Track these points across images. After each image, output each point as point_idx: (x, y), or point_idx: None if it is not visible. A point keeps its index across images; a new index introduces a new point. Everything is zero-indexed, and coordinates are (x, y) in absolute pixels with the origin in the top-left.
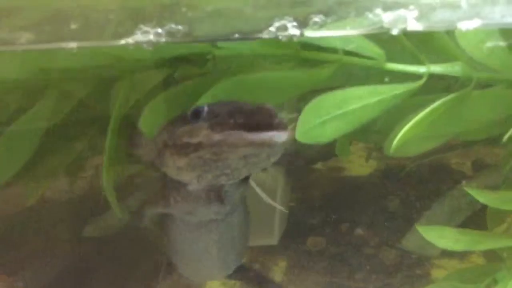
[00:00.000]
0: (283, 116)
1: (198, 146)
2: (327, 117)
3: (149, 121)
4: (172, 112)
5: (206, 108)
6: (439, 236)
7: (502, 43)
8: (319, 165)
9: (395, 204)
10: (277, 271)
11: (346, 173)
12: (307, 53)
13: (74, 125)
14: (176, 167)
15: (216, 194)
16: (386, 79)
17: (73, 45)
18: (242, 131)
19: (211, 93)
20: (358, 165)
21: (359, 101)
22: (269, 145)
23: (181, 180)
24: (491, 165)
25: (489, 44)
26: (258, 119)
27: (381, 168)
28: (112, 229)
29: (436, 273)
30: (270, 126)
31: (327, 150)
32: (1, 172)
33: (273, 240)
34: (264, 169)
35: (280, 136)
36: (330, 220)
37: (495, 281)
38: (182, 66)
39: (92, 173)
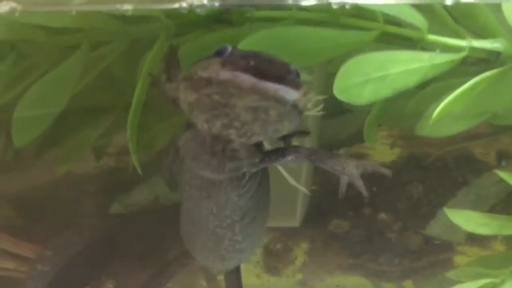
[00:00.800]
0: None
1: (207, 82)
2: (367, 77)
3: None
4: None
5: (229, 49)
6: (466, 219)
7: None
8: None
9: (419, 190)
10: (299, 252)
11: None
12: (348, 19)
13: (102, 96)
14: (188, 102)
15: (222, 147)
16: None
17: (128, 7)
18: (250, 75)
19: (247, 41)
20: (381, 152)
21: (400, 65)
22: (275, 97)
23: (193, 120)
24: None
25: None
26: (272, 69)
27: (405, 155)
28: (138, 206)
29: (459, 259)
30: (282, 79)
31: (351, 136)
32: (28, 130)
33: (295, 222)
34: (281, 138)
35: (288, 92)
36: (353, 204)
37: None
38: (221, 27)
39: (119, 150)
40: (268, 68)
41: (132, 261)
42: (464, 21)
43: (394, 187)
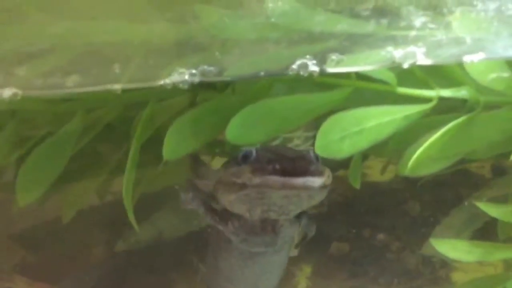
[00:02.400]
0: (301, 134)
1: (242, 186)
2: (344, 133)
3: (173, 142)
4: (195, 135)
5: (254, 153)
6: (451, 248)
7: (506, 74)
8: (340, 172)
9: (415, 209)
10: (302, 277)
11: (367, 179)
12: (323, 78)
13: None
14: (228, 201)
15: (271, 226)
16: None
17: (117, 86)
18: (277, 177)
19: (237, 119)
20: (378, 171)
21: (374, 119)
22: (303, 188)
23: (235, 211)
24: (509, 169)
25: (494, 74)
26: (295, 165)
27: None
28: (143, 243)
29: (456, 276)
30: (305, 172)
31: (348, 159)
32: (32, 190)
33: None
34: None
35: (313, 181)
36: (352, 226)
37: None
38: (203, 91)
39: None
40: (291, 164)
41: None
42: (433, 72)
43: (391, 206)
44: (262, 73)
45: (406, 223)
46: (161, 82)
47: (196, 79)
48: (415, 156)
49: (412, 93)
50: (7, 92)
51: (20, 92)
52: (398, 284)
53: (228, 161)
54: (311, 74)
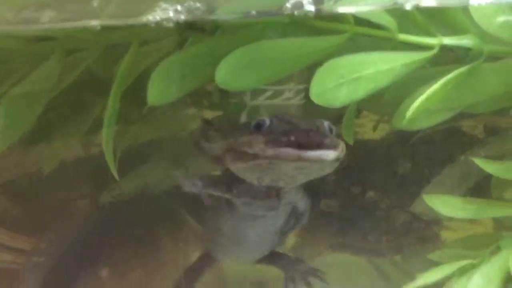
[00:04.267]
0: (293, 86)
1: (254, 156)
2: (341, 81)
3: (158, 86)
4: (183, 78)
5: (267, 122)
6: (443, 204)
7: (507, 19)
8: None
9: (406, 168)
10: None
11: (358, 137)
12: (320, 23)
13: (86, 94)
14: (237, 168)
15: (276, 192)
16: None
17: (95, 23)
18: (292, 149)
19: (227, 61)
20: (370, 129)
21: (372, 66)
22: (318, 161)
23: (242, 177)
24: (503, 130)
25: (501, 18)
26: (310, 138)
27: (393, 131)
28: (128, 195)
29: (446, 235)
30: (320, 145)
31: (339, 115)
32: (7, 134)
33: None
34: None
35: (328, 155)
36: (342, 183)
37: (499, 248)
38: (191, 33)
39: None
40: (305, 137)
41: (125, 248)
42: (435, 19)
43: (382, 165)
44: (253, 13)
45: (397, 181)
46: (143, 19)
47: (182, 17)
48: (414, 106)
49: (413, 40)
50: None
51: None
52: (387, 241)
53: (237, 128)
54: (306, 14)
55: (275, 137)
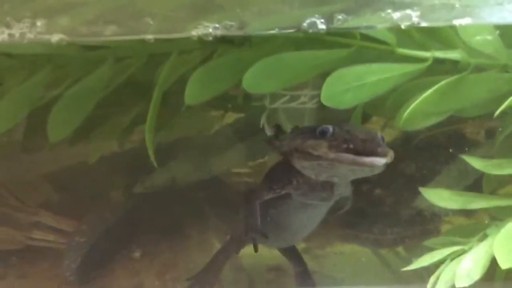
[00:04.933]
0: (308, 92)
1: (317, 158)
2: (347, 86)
3: (194, 88)
4: (214, 83)
5: (331, 130)
6: (438, 197)
7: (490, 37)
8: None
9: (411, 168)
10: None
11: None
12: (331, 38)
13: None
14: (301, 165)
15: (330, 186)
16: None
17: (150, 37)
18: (350, 155)
19: (254, 68)
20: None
21: (374, 75)
22: (370, 167)
23: (302, 171)
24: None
25: (479, 36)
26: (366, 146)
27: (400, 136)
28: (158, 187)
29: (446, 228)
30: (374, 152)
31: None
32: (62, 129)
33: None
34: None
35: (379, 161)
36: (351, 182)
37: (485, 235)
38: (222, 45)
39: (143, 136)
40: (363, 145)
41: (155, 234)
42: (428, 36)
43: (390, 165)
44: (276, 29)
45: (402, 180)
46: (188, 34)
47: (219, 32)
48: (409, 109)
49: (410, 53)
50: (55, 38)
51: (66, 38)
52: (390, 234)
53: (304, 132)
54: (318, 31)
55: (337, 143)
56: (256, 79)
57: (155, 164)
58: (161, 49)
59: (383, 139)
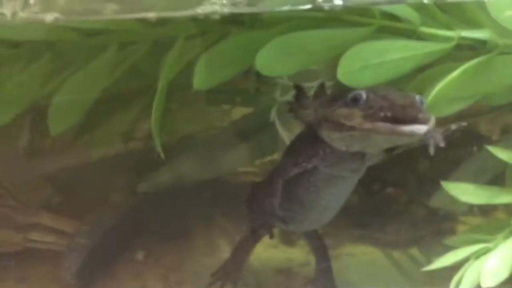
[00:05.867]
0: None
1: (351, 128)
2: (365, 64)
3: (203, 72)
4: (225, 66)
5: (364, 96)
6: (461, 192)
7: None
8: None
9: (425, 166)
10: None
11: None
12: (349, 16)
13: (131, 88)
14: (330, 137)
15: (361, 155)
16: None
17: (152, 15)
18: (388, 124)
19: (267, 48)
20: None
21: (395, 53)
22: (410, 135)
23: (331, 142)
24: None
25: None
26: (405, 113)
27: None
28: (163, 186)
29: (461, 228)
30: (414, 119)
31: None
32: (63, 121)
33: None
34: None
35: (420, 129)
36: (362, 180)
37: (511, 232)
38: (234, 29)
39: (146, 134)
40: (401, 111)
41: (159, 234)
42: (454, 13)
43: (402, 163)
44: (288, 6)
45: (415, 179)
46: (194, 12)
47: (226, 10)
48: (433, 92)
49: (433, 32)
50: (49, 17)
51: (61, 17)
52: (404, 234)
53: (333, 98)
54: (334, 8)
55: (373, 111)
56: (270, 59)
57: (162, 156)
58: (167, 33)
59: (422, 102)
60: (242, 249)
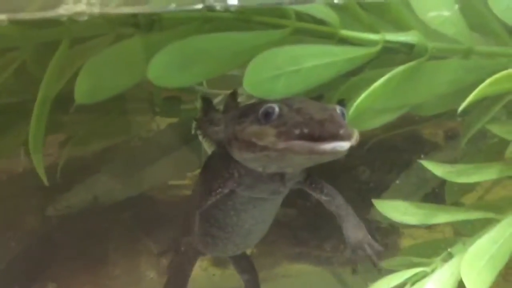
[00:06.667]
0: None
1: (263, 148)
2: (279, 72)
3: (86, 84)
4: (112, 78)
5: (277, 110)
6: (393, 210)
7: (447, 13)
8: None
9: (366, 175)
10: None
11: None
12: (260, 17)
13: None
14: (243, 158)
15: (280, 177)
16: None
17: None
18: (305, 142)
19: (159, 56)
20: None
21: (313, 59)
22: (331, 154)
23: (245, 164)
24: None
25: (445, 12)
26: (324, 129)
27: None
28: (76, 208)
29: (405, 242)
30: (335, 136)
31: None
32: None
33: None
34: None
35: (342, 146)
36: (300, 191)
37: (450, 255)
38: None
39: (54, 150)
40: (320, 128)
41: (73, 263)
42: (377, 16)
43: (342, 172)
44: (174, 6)
45: (355, 189)
46: (54, 14)
47: (96, 10)
48: (354, 105)
49: (356, 36)
50: None
51: None
52: (344, 250)
53: (243, 113)
54: (228, 7)
55: (287, 129)
56: (166, 69)
57: (46, 182)
58: (49, 37)
59: (344, 114)
60: (177, 276)
